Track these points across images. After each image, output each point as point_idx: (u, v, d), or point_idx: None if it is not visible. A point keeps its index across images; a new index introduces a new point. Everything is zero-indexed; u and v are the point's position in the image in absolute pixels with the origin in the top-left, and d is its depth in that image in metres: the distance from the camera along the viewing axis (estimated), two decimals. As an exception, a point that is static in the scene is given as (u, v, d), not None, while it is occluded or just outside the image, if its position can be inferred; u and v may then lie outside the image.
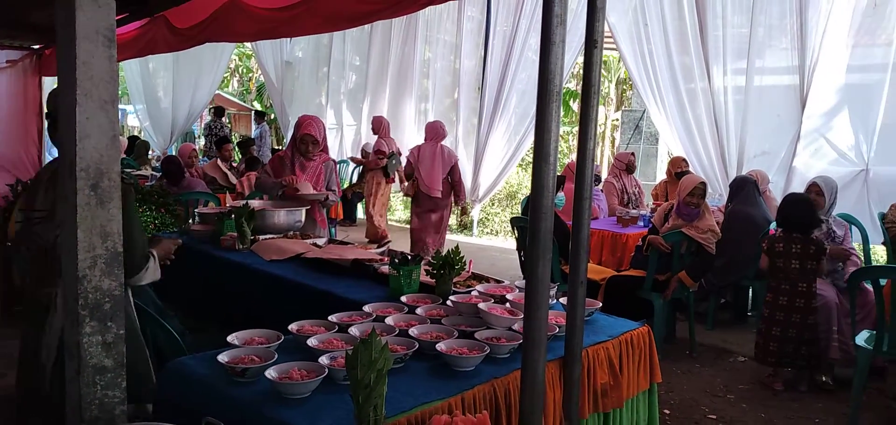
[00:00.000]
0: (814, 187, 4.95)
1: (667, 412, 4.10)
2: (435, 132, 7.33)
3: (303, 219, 4.24)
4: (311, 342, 2.19)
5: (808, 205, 4.43)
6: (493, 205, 11.67)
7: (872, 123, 6.38)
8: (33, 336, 2.44)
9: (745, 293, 6.06)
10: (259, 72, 18.83)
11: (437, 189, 7.15)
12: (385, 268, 3.13)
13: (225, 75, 20.41)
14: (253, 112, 20.50)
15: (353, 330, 2.30)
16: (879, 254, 6.97)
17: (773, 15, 6.82)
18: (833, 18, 6.39)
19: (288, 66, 12.92)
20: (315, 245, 3.85)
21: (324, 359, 2.04)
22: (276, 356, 2.07)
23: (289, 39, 12.38)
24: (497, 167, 9.65)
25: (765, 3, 6.83)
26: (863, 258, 5.97)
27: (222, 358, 2.05)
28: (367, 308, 2.58)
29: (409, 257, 3.07)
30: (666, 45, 7.44)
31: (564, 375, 2.26)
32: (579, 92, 15.94)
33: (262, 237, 3.99)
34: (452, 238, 10.34)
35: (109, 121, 1.67)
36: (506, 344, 2.24)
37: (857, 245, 6.17)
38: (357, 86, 12.13)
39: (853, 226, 6.12)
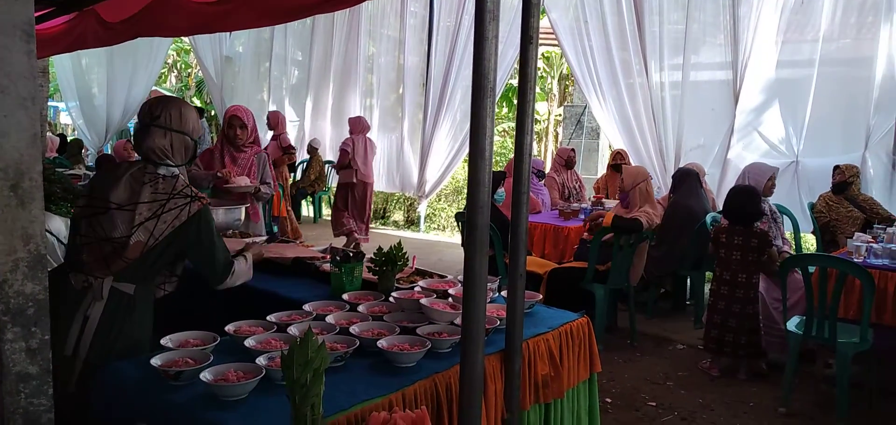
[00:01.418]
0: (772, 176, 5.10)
1: (608, 400, 4.19)
2: (362, 126, 8.07)
3: (242, 217, 4.15)
4: (249, 343, 2.15)
5: (749, 197, 4.52)
6: (439, 200, 11.70)
7: (801, 117, 6.66)
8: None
9: (683, 282, 6.23)
10: (198, 67, 18.38)
11: (372, 176, 8.06)
12: (327, 266, 3.10)
13: (162, 70, 19.84)
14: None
15: (293, 330, 2.26)
16: (809, 242, 7.26)
17: (707, 12, 7.04)
18: (763, 16, 6.64)
19: (228, 61, 12.65)
20: (255, 244, 3.78)
21: (261, 360, 2.01)
22: (212, 358, 2.03)
23: (228, 34, 12.14)
24: (443, 162, 9.68)
25: (700, 1, 7.04)
26: (794, 246, 6.22)
27: (155, 361, 2.00)
28: (307, 307, 2.54)
29: (351, 254, 3.05)
30: (605, 42, 7.60)
31: (505, 368, 2.28)
32: (523, 87, 16.10)
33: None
34: (399, 234, 10.33)
35: (29, 119, 1.60)
36: (447, 339, 2.25)
37: (789, 234, 6.43)
38: (300, 81, 11.98)
39: (785, 216, 6.37)
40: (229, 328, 2.30)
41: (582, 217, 6.23)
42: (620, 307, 5.64)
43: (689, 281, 6.17)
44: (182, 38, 16.49)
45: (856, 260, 4.31)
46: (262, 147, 5.04)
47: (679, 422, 3.96)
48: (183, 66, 23.13)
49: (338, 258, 2.86)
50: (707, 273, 5.81)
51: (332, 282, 2.89)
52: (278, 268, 3.31)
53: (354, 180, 7.86)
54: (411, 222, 11.13)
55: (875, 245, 4.51)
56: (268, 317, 2.41)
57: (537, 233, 6.16)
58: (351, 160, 7.82)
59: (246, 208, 4.39)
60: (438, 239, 10.23)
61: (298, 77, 12.08)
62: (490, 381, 2.25)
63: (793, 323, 4.18)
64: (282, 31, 11.77)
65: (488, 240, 1.68)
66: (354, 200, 7.97)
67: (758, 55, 6.73)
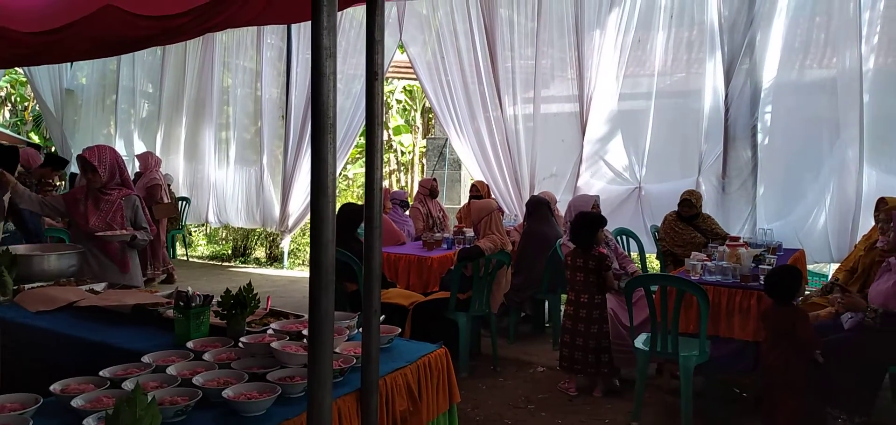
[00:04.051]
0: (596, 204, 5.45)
1: (473, 429, 4.23)
2: (155, 162, 8.66)
3: (77, 263, 3.82)
4: (76, 402, 1.96)
5: (587, 223, 4.79)
6: (303, 234, 11.44)
7: (642, 146, 7.16)
8: None
9: (542, 306, 6.46)
10: (36, 100, 16.94)
11: None
12: (171, 312, 2.91)
13: (-7, 104, 18.10)
14: (28, 145, 18.31)
15: (128, 385, 2.09)
16: (654, 263, 7.78)
17: (555, 48, 7.46)
18: (605, 52, 7.11)
19: (69, 94, 11.80)
20: (92, 291, 3.49)
21: (90, 422, 1.83)
22: (31, 423, 1.82)
23: (69, 64, 11.33)
24: (307, 196, 9.48)
25: (548, 37, 7.45)
26: (640, 267, 6.65)
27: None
28: (146, 358, 2.36)
29: (200, 298, 2.87)
30: (462, 77, 7.84)
31: (361, 407, 2.23)
32: (386, 121, 16.11)
33: (27, 286, 3.53)
34: (261, 271, 9.97)
35: None
36: (300, 383, 2.17)
37: (634, 255, 6.87)
38: (150, 114, 11.34)
39: (631, 239, 6.80)
40: (55, 387, 2.09)
41: (444, 247, 6.31)
42: (483, 333, 5.75)
43: (546, 304, 6.40)
44: (16, 68, 15.14)
45: (692, 278, 4.66)
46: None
47: (540, 444, 4.07)
48: (18, 98, 21.22)
49: (181, 303, 2.68)
50: (563, 295, 6.06)
51: (176, 329, 2.71)
52: (117, 316, 3.07)
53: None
54: (274, 259, 10.79)
55: (709, 263, 4.89)
56: (101, 373, 2.21)
57: (401, 264, 6.16)
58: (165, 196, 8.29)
59: (106, 255, 4.08)
60: (303, 274, 9.96)
61: (149, 110, 11.43)
62: (345, 422, 2.20)
63: (640, 341, 4.44)
64: (129, 62, 11.12)
65: (334, 280, 1.64)
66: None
67: (601, 89, 7.19)
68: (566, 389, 4.85)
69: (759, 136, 6.64)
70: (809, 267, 6.29)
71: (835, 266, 5.91)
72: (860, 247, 5.18)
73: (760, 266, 4.81)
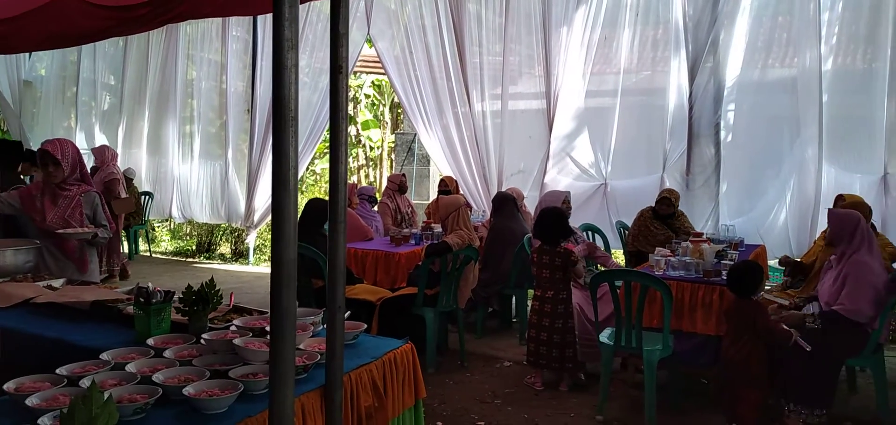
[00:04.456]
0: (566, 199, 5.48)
1: (439, 423, 4.23)
2: (112, 155, 8.54)
3: (33, 258, 3.72)
4: (31, 401, 1.91)
5: (552, 220, 4.81)
6: (270, 230, 11.31)
7: (608, 143, 7.24)
8: None
9: (509, 301, 6.49)
10: (-8, 92, 16.47)
11: None
12: (131, 309, 2.85)
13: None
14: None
15: (86, 383, 2.04)
16: (620, 258, 7.88)
17: (523, 44, 7.48)
18: (571, 49, 7.16)
19: (28, 85, 11.50)
20: (50, 287, 3.40)
21: (45, 421, 1.79)
22: (-17, 423, 1.78)
23: (28, 55, 11.05)
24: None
25: (516, 34, 7.48)
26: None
27: None
28: (105, 355, 2.31)
29: (161, 294, 2.81)
30: (430, 71, 7.82)
31: (325, 403, 2.22)
32: (353, 114, 15.98)
33: (-19, 283, 3.43)
34: (226, 267, 9.85)
35: None
36: (262, 380, 2.14)
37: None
38: (112, 107, 11.10)
39: (597, 235, 6.87)
40: (9, 386, 2.03)
41: (413, 242, 6.30)
42: (451, 328, 5.76)
43: (513, 299, 6.44)
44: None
45: (656, 273, 4.73)
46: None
47: (506, 439, 4.09)
48: (-27, 89, 20.60)
49: (141, 299, 2.63)
50: (530, 290, 6.10)
51: (137, 325, 2.66)
52: (75, 313, 3.00)
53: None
54: (240, 254, 10.65)
55: (672, 258, 4.96)
56: (58, 370, 2.15)
57: (369, 260, 6.13)
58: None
59: (63, 253, 3.96)
60: (269, 270, 9.85)
61: (110, 102, 11.19)
62: (309, 419, 2.18)
63: (605, 335, 4.49)
64: (90, 53, 10.88)
65: (296, 276, 1.62)
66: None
67: (568, 86, 7.24)
68: (532, 384, 4.88)
69: (723, 134, 6.75)
70: (770, 262, 6.43)
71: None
72: (819, 244, 5.31)
73: (723, 261, 4.89)
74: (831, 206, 5.26)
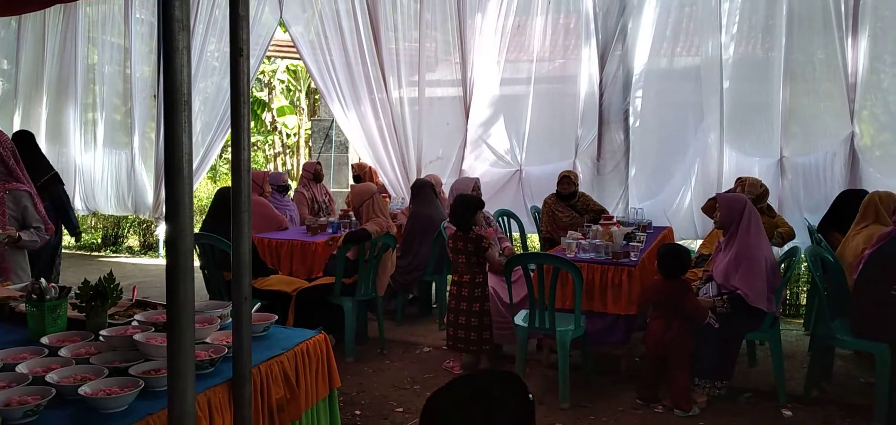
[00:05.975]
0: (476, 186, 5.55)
1: (357, 413, 4.21)
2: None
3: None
4: None
5: (465, 207, 4.85)
6: (181, 221, 10.90)
7: (522, 130, 7.36)
8: None
9: (429, 287, 6.51)
10: None
11: None
12: (23, 306, 2.69)
13: None
14: None
15: (-31, 387, 1.92)
16: (535, 244, 8.03)
17: (439, 31, 7.49)
18: (486, 35, 7.22)
19: None
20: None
21: (-81, 430, 1.67)
22: None
23: None
24: (182, 181, 9.04)
25: (432, 20, 7.46)
26: (522, 248, 6.83)
27: None
28: (-8, 357, 2.18)
29: (56, 290, 2.67)
30: (346, 58, 7.70)
31: (233, 397, 2.16)
32: (267, 100, 15.60)
33: None
34: (135, 261, 9.45)
35: None
36: (164, 376, 2.05)
37: (516, 236, 7.06)
38: (6, 94, 10.39)
39: (512, 220, 6.98)
40: None
41: (330, 231, 6.21)
42: (370, 316, 5.72)
43: (433, 285, 6.46)
44: None
45: (568, 256, 4.85)
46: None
47: None
48: None
49: (34, 296, 2.48)
50: (448, 276, 6.13)
51: (29, 323, 2.51)
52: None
53: None
54: (148, 247, 10.24)
55: (583, 241, 5.10)
56: (-63, 376, 2.01)
57: (284, 250, 6.01)
58: None
59: None
60: (181, 263, 9.52)
61: (4, 88, 10.48)
62: (216, 414, 2.12)
63: (519, 318, 4.57)
64: (-21, 36, 10.14)
65: (193, 267, 1.56)
66: None
67: (483, 73, 7.31)
68: (451, 368, 4.92)
69: (631, 120, 6.99)
70: (677, 243, 6.70)
71: (700, 242, 6.32)
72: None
73: (631, 243, 5.06)
74: (733, 188, 5.54)
